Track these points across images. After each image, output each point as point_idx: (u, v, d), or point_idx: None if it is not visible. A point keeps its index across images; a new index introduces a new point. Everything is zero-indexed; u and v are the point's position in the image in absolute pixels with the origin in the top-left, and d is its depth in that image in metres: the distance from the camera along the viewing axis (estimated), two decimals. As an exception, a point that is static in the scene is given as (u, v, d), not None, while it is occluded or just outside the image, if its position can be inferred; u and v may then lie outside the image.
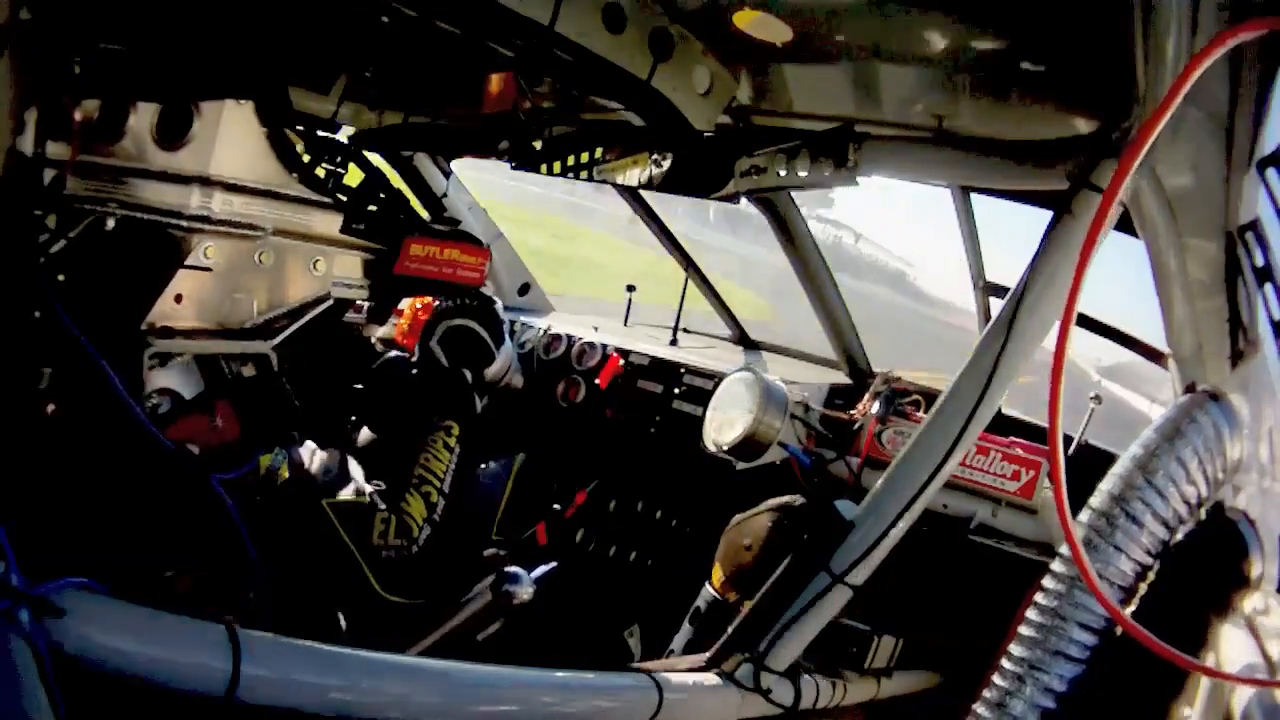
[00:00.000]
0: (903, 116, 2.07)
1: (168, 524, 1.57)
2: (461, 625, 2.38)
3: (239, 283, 1.98)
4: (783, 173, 2.30)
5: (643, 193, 3.45)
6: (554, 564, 2.77)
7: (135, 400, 1.76)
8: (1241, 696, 1.26)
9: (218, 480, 1.69)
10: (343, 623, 1.98)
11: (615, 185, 3.06)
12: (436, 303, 3.38)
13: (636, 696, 1.73)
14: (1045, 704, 1.55)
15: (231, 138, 1.92)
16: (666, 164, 2.43)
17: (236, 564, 1.60)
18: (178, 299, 1.87)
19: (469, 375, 2.37)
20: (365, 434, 2.53)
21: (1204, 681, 1.38)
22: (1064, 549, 1.62)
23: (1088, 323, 2.64)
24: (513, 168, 2.78)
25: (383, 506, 1.96)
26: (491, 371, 3.38)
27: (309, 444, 2.00)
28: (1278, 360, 1.55)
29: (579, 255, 17.51)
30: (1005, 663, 1.61)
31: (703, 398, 3.00)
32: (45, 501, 1.47)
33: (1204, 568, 1.55)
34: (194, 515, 1.60)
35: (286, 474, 1.89)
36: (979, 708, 1.61)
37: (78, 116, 1.82)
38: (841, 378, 3.34)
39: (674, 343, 3.68)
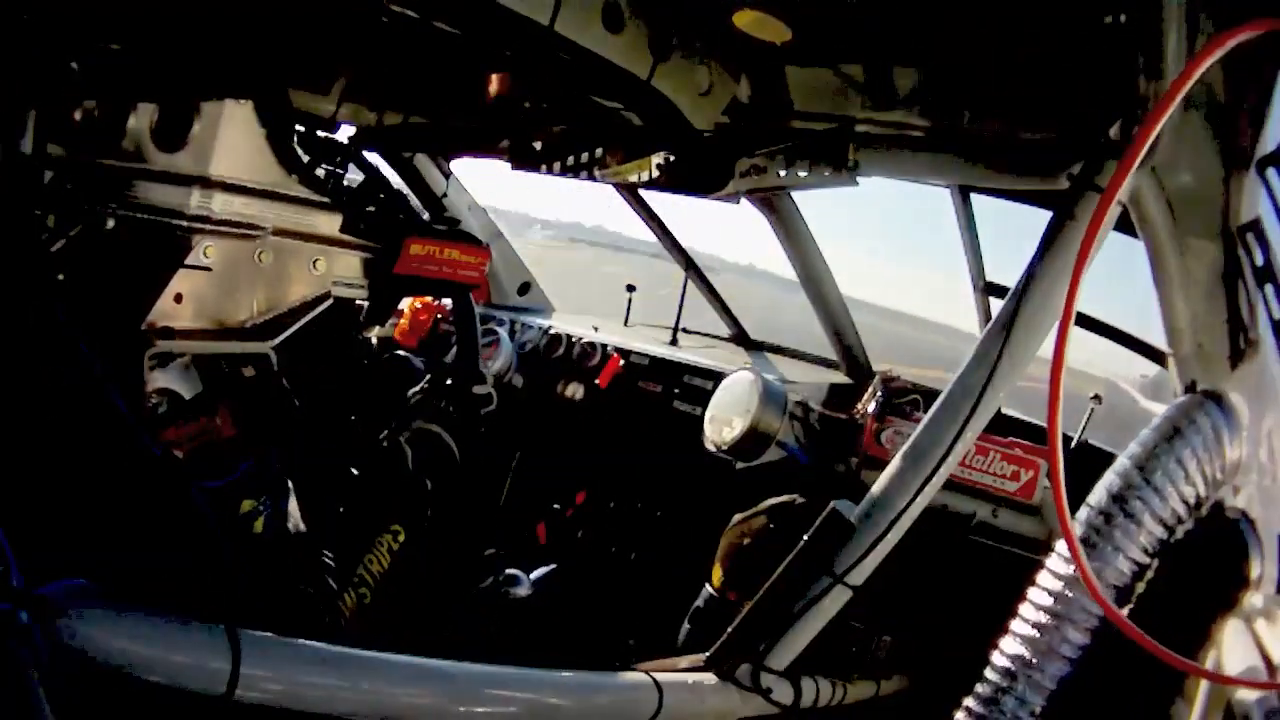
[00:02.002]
0: (903, 116, 2.07)
1: (158, 526, 1.57)
2: (461, 625, 2.38)
3: (239, 283, 1.98)
4: (783, 173, 2.30)
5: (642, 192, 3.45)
6: (553, 565, 2.77)
7: (136, 401, 1.76)
8: (1241, 697, 1.26)
9: (203, 488, 1.69)
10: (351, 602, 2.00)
11: (615, 184, 3.06)
12: (436, 306, 3.38)
13: (636, 696, 1.73)
14: (1036, 701, 1.55)
15: (231, 138, 1.91)
16: (667, 164, 2.43)
17: (220, 568, 1.60)
18: (177, 299, 1.87)
19: (428, 484, 2.34)
20: None
21: (1204, 681, 1.38)
22: (1060, 547, 1.62)
23: (1088, 322, 2.64)
24: (513, 168, 2.78)
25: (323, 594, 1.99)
26: (495, 369, 3.39)
27: (293, 502, 2.00)
28: (1278, 360, 1.55)
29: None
30: (998, 659, 1.62)
31: (703, 398, 3.00)
32: (45, 502, 1.47)
33: (1204, 568, 1.55)
34: (179, 519, 1.60)
35: (260, 529, 1.89)
36: (971, 703, 1.62)
37: (77, 116, 1.82)
38: (841, 378, 3.34)
39: (674, 343, 3.68)
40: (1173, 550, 1.59)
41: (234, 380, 1.97)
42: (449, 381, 2.55)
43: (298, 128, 2.28)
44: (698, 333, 3.93)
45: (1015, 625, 1.63)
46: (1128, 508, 1.55)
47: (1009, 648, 1.61)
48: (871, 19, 1.77)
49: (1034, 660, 1.56)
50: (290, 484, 2.00)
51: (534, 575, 2.67)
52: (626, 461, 3.25)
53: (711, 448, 2.85)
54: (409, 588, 2.18)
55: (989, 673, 1.62)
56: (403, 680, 1.50)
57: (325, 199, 2.14)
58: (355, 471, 2.28)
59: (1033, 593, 1.62)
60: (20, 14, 1.57)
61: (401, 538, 2.17)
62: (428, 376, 2.59)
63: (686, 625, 2.29)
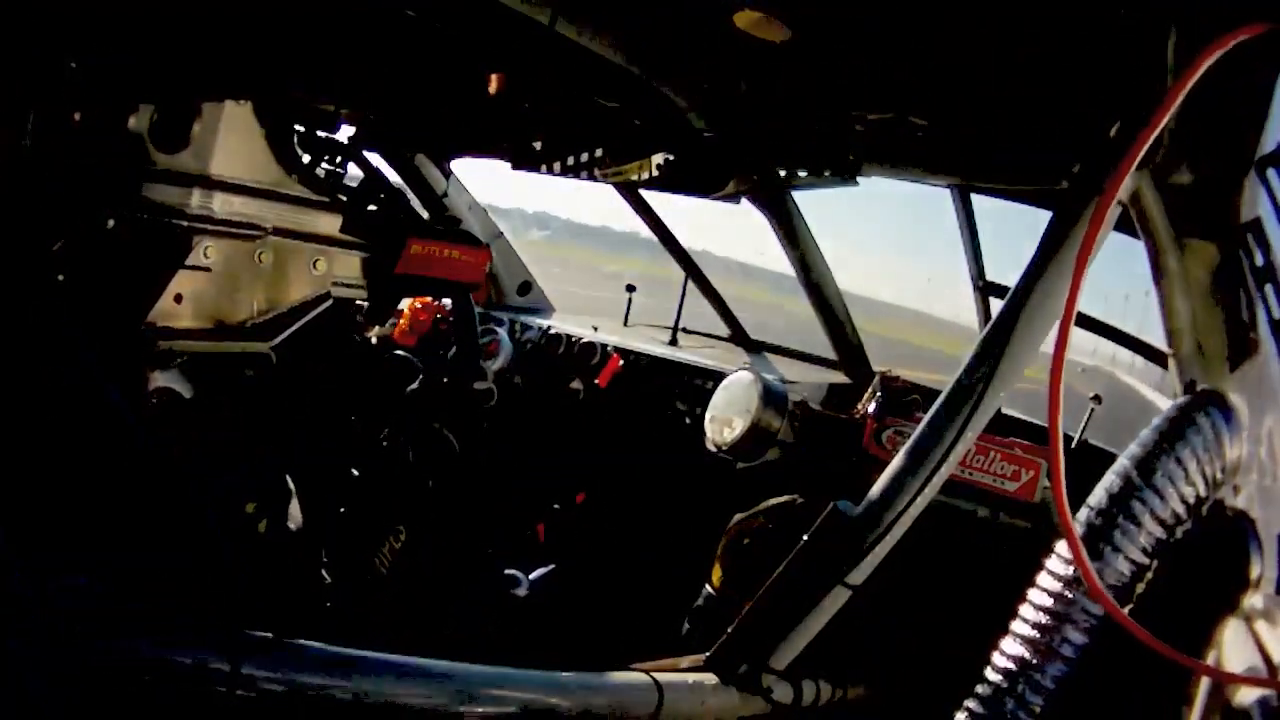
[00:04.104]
0: (902, 116, 2.07)
1: (158, 526, 1.57)
2: (461, 625, 2.38)
3: (239, 283, 1.98)
4: (783, 173, 2.30)
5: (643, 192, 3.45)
6: (553, 565, 2.77)
7: (136, 401, 1.76)
8: (1241, 697, 1.26)
9: (204, 487, 1.70)
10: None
11: (616, 185, 3.06)
12: (436, 306, 3.38)
13: (636, 696, 1.73)
14: (1035, 701, 1.55)
15: (231, 138, 1.92)
16: (667, 163, 2.43)
17: (220, 567, 1.60)
18: (177, 299, 1.87)
19: (430, 482, 2.34)
20: None
21: (1204, 682, 1.38)
22: (1060, 547, 1.62)
23: (1088, 322, 2.64)
24: (513, 168, 2.78)
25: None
26: (494, 369, 3.39)
27: (294, 503, 2.00)
28: (1278, 360, 1.55)
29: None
30: (997, 659, 1.62)
31: (703, 398, 3.00)
32: (45, 502, 1.47)
33: (1204, 568, 1.55)
34: (179, 519, 1.60)
35: (263, 529, 1.89)
36: (971, 704, 1.62)
37: (77, 116, 1.82)
38: (841, 378, 3.34)
39: (674, 342, 3.68)
40: (1173, 551, 1.59)
41: (234, 380, 1.97)
42: (448, 379, 2.55)
43: (298, 128, 2.28)
44: (697, 333, 3.93)
45: (1015, 626, 1.62)
46: (1127, 508, 1.55)
47: (1009, 648, 1.61)
48: (871, 19, 1.77)
49: (1034, 661, 1.56)
50: (291, 485, 2.01)
51: (534, 575, 2.67)
52: (626, 461, 3.25)
53: (712, 448, 2.85)
54: (411, 587, 2.18)
55: (989, 673, 1.62)
56: (402, 680, 1.50)
57: (325, 199, 2.14)
58: (356, 472, 2.29)
59: (1033, 593, 1.62)
60: (21, 14, 1.56)
61: (403, 536, 2.18)
62: (421, 374, 2.59)
63: (686, 625, 2.29)
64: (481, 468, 2.55)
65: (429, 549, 2.27)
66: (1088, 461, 2.01)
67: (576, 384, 3.44)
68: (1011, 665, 1.58)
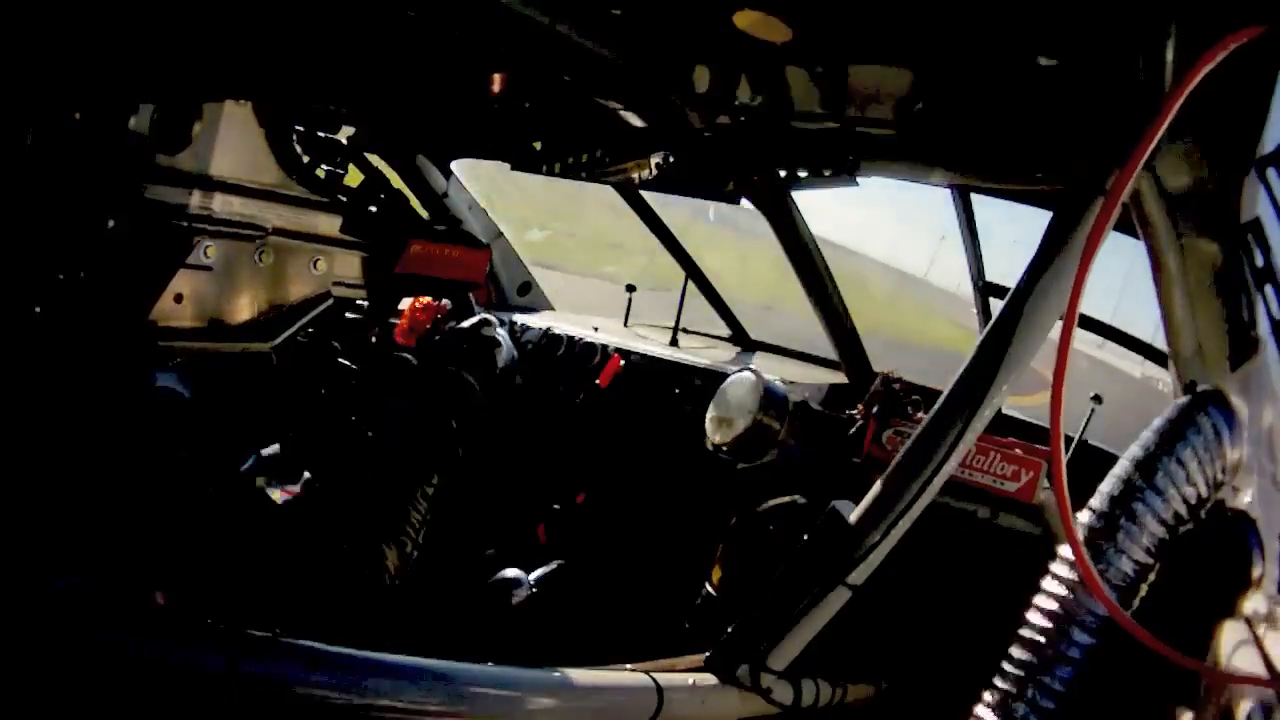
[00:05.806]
0: (902, 116, 2.07)
1: (160, 526, 1.57)
2: (461, 625, 2.38)
3: (239, 283, 1.99)
4: (783, 173, 2.30)
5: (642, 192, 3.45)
6: (553, 564, 2.77)
7: (137, 400, 1.76)
8: (1241, 698, 1.26)
9: (207, 485, 1.70)
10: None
11: (615, 185, 3.06)
12: (436, 306, 3.39)
13: (636, 696, 1.73)
14: (1046, 705, 1.55)
15: (231, 138, 1.93)
16: (667, 164, 2.43)
17: (221, 567, 1.60)
18: (178, 299, 1.88)
19: (454, 424, 2.34)
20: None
21: (1204, 681, 1.38)
22: (1064, 550, 1.62)
23: (1088, 323, 2.64)
24: (513, 168, 2.78)
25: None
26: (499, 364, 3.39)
27: (306, 479, 2.00)
28: (1278, 360, 1.55)
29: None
30: (1006, 665, 1.61)
31: (703, 398, 3.00)
32: (48, 501, 1.47)
33: (1205, 569, 1.55)
34: (180, 519, 1.60)
35: (278, 501, 1.90)
36: (980, 710, 1.61)
37: (77, 116, 1.83)
38: (841, 378, 3.34)
39: (674, 343, 3.68)
40: (1174, 551, 1.59)
41: (234, 380, 1.98)
42: (460, 327, 2.54)
43: (298, 128, 2.28)
44: (698, 333, 3.94)
45: (1021, 631, 1.62)
46: (1129, 509, 1.55)
47: (1017, 653, 1.61)
48: (872, 19, 1.77)
49: (1042, 665, 1.56)
50: (305, 471, 2.01)
51: (534, 575, 2.67)
52: (627, 462, 3.25)
53: (712, 449, 2.85)
54: (411, 587, 2.18)
55: (997, 679, 1.62)
56: (402, 680, 1.50)
57: (325, 199, 2.15)
58: (370, 434, 2.27)
59: (1038, 597, 1.62)
60: (22, 16, 1.56)
61: (435, 482, 2.17)
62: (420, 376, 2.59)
63: (686, 625, 2.29)
64: (502, 412, 2.52)
65: (462, 491, 2.23)
66: (1089, 462, 2.01)
67: (577, 384, 3.44)
68: (1020, 671, 1.58)
